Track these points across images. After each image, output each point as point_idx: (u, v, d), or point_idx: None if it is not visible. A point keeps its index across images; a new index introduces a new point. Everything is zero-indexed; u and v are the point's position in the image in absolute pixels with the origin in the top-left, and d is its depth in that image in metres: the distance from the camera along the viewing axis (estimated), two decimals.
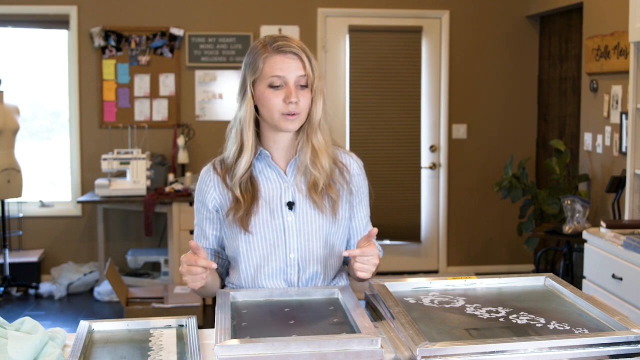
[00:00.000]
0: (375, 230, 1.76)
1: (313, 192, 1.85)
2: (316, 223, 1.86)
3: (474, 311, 1.59)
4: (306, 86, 1.81)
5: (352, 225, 1.96)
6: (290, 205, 1.86)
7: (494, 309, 1.61)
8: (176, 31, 5.61)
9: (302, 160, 1.86)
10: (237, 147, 1.86)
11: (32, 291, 5.43)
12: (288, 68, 1.78)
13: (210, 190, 1.90)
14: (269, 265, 1.86)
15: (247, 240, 1.85)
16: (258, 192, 1.86)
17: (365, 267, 1.73)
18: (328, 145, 1.87)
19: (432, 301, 1.67)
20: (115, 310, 5.05)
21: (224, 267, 1.98)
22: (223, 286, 2.00)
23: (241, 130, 1.85)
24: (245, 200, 1.84)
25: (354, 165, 1.95)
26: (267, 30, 5.65)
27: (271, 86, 1.79)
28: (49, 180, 6.10)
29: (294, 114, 1.79)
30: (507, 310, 1.60)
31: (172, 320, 1.67)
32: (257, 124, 1.88)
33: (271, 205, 1.86)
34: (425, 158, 5.92)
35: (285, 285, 1.87)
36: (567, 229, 4.35)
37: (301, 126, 1.85)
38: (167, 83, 5.67)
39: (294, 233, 1.85)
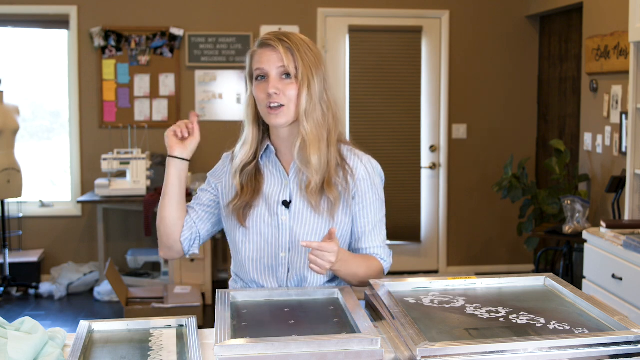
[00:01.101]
0: (334, 229, 1.72)
1: (307, 191, 1.84)
2: (311, 225, 1.85)
3: (474, 311, 1.59)
4: (291, 76, 1.81)
5: (356, 230, 1.92)
6: (286, 204, 1.86)
7: (494, 309, 1.61)
8: (176, 31, 5.61)
9: (294, 150, 1.84)
10: (242, 141, 1.91)
11: (32, 291, 5.43)
12: (267, 61, 1.80)
13: (221, 176, 1.96)
14: (260, 261, 1.88)
15: (244, 232, 1.88)
16: (261, 186, 1.88)
17: (318, 261, 1.68)
18: (322, 139, 1.83)
19: (432, 301, 1.67)
20: (115, 310, 5.05)
21: (191, 233, 1.93)
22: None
23: (245, 124, 1.91)
24: (244, 192, 1.86)
25: (361, 170, 1.90)
26: (267, 30, 5.63)
27: (257, 79, 1.83)
28: (49, 180, 6.10)
29: (277, 107, 1.79)
30: (507, 310, 1.60)
31: (172, 320, 1.67)
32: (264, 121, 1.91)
33: (269, 202, 1.87)
34: (425, 158, 5.92)
35: (275, 283, 1.88)
36: (567, 229, 4.35)
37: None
38: (167, 83, 5.67)
39: (287, 232, 1.85)
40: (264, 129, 1.92)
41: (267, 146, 1.90)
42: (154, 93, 5.67)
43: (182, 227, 1.92)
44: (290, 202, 1.86)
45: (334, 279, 1.93)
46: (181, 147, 1.85)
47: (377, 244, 1.93)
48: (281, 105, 1.79)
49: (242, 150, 1.89)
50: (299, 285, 1.88)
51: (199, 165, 5.69)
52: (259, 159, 1.91)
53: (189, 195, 5.09)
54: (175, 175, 1.87)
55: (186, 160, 1.87)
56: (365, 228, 1.91)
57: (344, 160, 1.90)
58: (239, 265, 1.92)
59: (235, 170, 1.89)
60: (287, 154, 1.90)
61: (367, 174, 1.91)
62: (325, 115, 1.84)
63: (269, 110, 1.80)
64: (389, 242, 2.03)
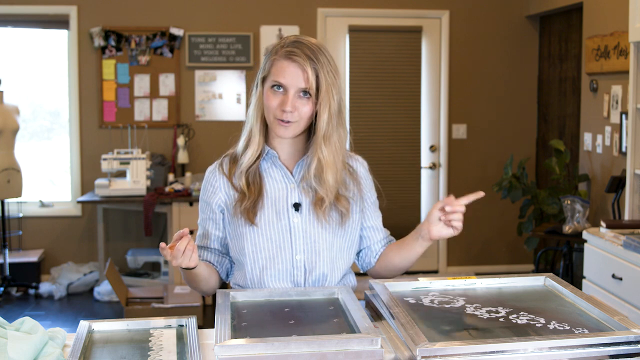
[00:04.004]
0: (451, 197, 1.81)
1: (318, 208, 1.83)
2: (322, 226, 1.86)
3: (474, 311, 1.59)
4: (309, 96, 1.78)
5: (368, 225, 1.96)
6: (297, 206, 1.85)
7: (494, 309, 1.61)
8: (176, 31, 5.61)
9: (309, 170, 1.83)
10: (246, 139, 1.88)
11: (32, 291, 5.43)
12: (290, 76, 1.76)
13: (216, 192, 1.90)
14: (275, 267, 1.84)
15: (253, 242, 1.84)
16: (263, 188, 1.86)
17: (456, 222, 1.79)
18: (337, 160, 1.83)
19: (432, 301, 1.66)
20: (115, 310, 5.05)
21: (224, 268, 1.97)
22: (223, 286, 2.00)
23: (251, 123, 1.87)
24: (251, 192, 1.84)
25: (361, 169, 1.95)
26: (267, 30, 5.65)
27: (272, 89, 1.79)
28: (49, 180, 6.10)
29: (287, 122, 1.78)
30: (507, 310, 1.60)
31: (172, 320, 1.67)
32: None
33: (277, 206, 1.85)
34: (425, 158, 5.92)
35: (292, 287, 1.86)
36: (567, 229, 4.35)
37: (311, 134, 1.83)
38: (167, 83, 5.67)
39: (300, 234, 1.84)
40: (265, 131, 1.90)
41: (268, 150, 1.88)
42: (154, 93, 5.67)
43: (218, 276, 1.95)
44: (300, 204, 1.86)
45: (346, 273, 1.94)
46: (188, 260, 1.72)
47: (387, 233, 2.03)
48: (294, 122, 1.78)
49: (249, 152, 1.86)
50: (317, 285, 1.87)
51: (199, 165, 5.69)
52: (260, 164, 1.89)
53: (189, 196, 5.09)
54: (200, 270, 1.83)
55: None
56: (376, 221, 1.98)
57: (346, 165, 1.92)
58: (249, 277, 1.87)
59: (241, 171, 1.86)
60: (288, 159, 1.89)
61: (366, 171, 1.97)
62: (341, 137, 1.83)
63: (278, 122, 1.79)
64: None
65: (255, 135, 1.85)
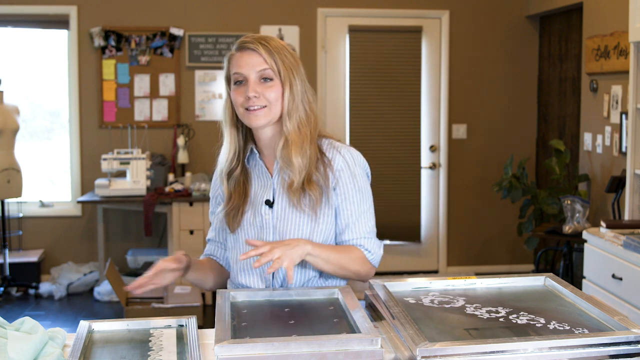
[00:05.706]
0: (250, 240, 1.75)
1: (289, 191, 1.83)
2: (294, 221, 1.85)
3: (474, 311, 1.59)
4: (271, 79, 1.81)
5: (339, 223, 1.88)
6: (269, 203, 1.87)
7: (494, 309, 1.61)
8: (176, 31, 5.61)
9: (277, 150, 1.84)
10: (224, 143, 1.94)
11: (32, 291, 5.43)
12: (246, 64, 1.80)
13: (217, 187, 1.99)
14: (247, 262, 1.89)
15: (235, 237, 1.92)
16: (249, 190, 1.90)
17: (277, 262, 1.67)
18: (304, 141, 1.82)
19: (432, 301, 1.67)
20: (115, 310, 5.05)
21: (228, 261, 2.02)
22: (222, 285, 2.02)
23: (223, 127, 1.92)
24: (233, 198, 1.89)
25: (339, 161, 1.85)
26: (267, 30, 5.65)
27: (235, 83, 1.83)
28: (49, 180, 6.10)
29: (258, 109, 1.79)
30: (507, 310, 1.60)
31: (172, 320, 1.67)
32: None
33: (254, 203, 1.89)
34: (425, 158, 5.92)
35: (261, 282, 1.88)
36: (567, 229, 4.35)
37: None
38: (167, 83, 5.67)
39: (270, 231, 1.86)
40: (245, 132, 1.92)
41: (252, 149, 1.91)
42: (154, 93, 5.67)
43: (221, 269, 2.00)
44: (273, 201, 1.87)
45: (321, 274, 1.90)
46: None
47: (361, 234, 1.88)
48: (263, 107, 1.80)
49: (222, 154, 1.91)
50: (285, 283, 1.87)
51: (199, 166, 5.69)
52: (246, 163, 1.92)
53: (189, 196, 5.10)
54: (190, 277, 1.90)
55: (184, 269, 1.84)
56: (349, 220, 1.87)
57: (323, 154, 1.87)
58: (232, 273, 1.96)
59: (221, 176, 1.92)
60: (270, 156, 1.91)
61: (345, 164, 1.86)
62: (308, 115, 1.85)
63: (246, 112, 1.81)
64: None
65: (227, 138, 1.90)
